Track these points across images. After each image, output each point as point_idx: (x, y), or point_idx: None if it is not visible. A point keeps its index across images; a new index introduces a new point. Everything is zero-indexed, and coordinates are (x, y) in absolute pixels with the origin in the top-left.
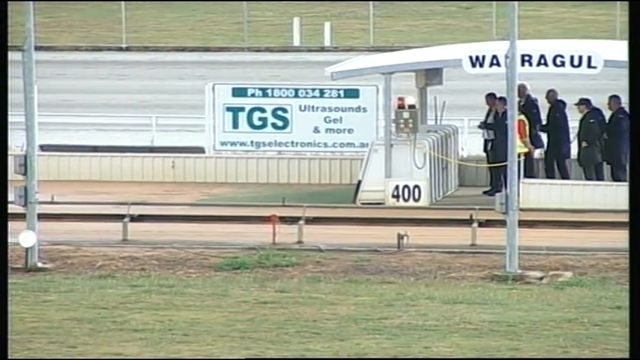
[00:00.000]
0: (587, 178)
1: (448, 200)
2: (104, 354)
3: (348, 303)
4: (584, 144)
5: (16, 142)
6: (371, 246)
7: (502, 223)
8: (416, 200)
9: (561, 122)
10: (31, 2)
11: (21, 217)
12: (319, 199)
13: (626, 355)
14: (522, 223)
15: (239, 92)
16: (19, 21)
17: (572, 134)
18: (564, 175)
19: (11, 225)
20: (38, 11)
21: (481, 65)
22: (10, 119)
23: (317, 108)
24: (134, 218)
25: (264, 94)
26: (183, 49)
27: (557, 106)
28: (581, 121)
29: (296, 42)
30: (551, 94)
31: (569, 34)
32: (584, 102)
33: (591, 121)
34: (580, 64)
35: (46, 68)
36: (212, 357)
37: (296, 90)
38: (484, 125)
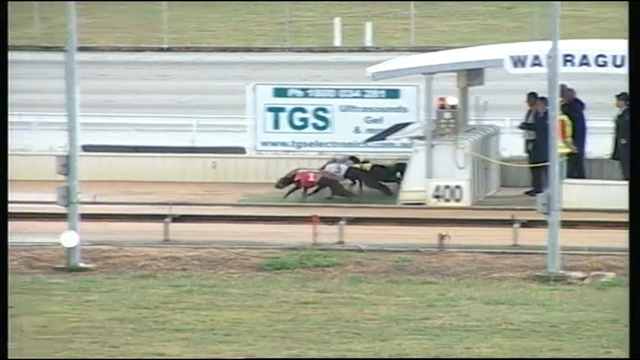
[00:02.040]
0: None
1: (490, 200)
2: (146, 354)
3: (389, 303)
4: (623, 141)
5: (58, 143)
6: (412, 246)
7: (544, 224)
8: (457, 200)
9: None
10: (73, 3)
11: (63, 217)
12: (360, 199)
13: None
14: (564, 224)
15: (280, 92)
16: (61, 22)
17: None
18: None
19: (53, 225)
20: (80, 12)
21: (523, 65)
22: (52, 120)
23: (358, 108)
24: (175, 218)
25: (305, 95)
26: (224, 50)
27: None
28: (619, 117)
29: (337, 42)
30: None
31: (611, 34)
32: (623, 97)
33: (628, 117)
34: (622, 64)
35: (87, 69)
36: (253, 357)
37: (337, 90)
38: (524, 125)
